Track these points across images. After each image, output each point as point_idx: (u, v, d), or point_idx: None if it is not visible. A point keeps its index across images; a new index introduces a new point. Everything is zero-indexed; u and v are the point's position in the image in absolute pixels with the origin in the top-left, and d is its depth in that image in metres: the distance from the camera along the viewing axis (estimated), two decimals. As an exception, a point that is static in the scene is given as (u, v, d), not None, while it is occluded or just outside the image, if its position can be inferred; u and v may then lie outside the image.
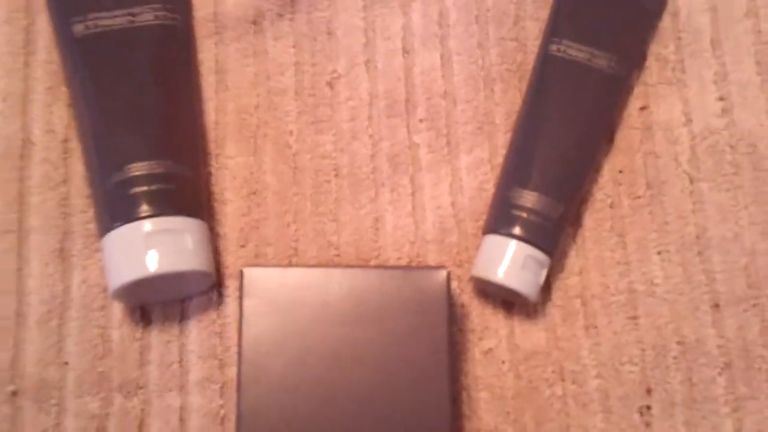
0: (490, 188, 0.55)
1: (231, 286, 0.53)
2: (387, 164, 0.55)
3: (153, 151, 0.51)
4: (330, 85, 0.57)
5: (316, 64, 0.57)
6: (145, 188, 0.49)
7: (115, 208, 0.50)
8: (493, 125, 0.56)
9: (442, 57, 0.57)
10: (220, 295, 0.53)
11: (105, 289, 0.53)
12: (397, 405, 0.47)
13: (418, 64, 0.57)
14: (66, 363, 0.52)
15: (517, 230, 0.51)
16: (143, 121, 0.52)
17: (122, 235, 0.49)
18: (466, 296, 0.53)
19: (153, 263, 0.48)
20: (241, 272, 0.48)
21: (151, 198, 0.49)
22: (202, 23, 0.58)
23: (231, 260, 0.54)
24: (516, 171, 0.53)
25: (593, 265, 0.54)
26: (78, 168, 0.55)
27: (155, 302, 0.53)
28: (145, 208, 0.49)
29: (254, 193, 0.55)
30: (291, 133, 0.56)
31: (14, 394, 0.51)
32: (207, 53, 0.57)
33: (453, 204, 0.55)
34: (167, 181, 0.50)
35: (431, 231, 0.54)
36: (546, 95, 0.54)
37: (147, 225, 0.49)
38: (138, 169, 0.50)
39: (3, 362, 0.52)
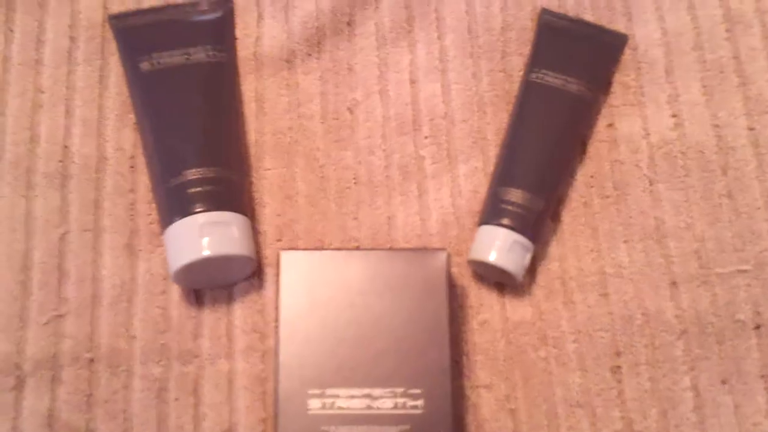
0: (484, 191, 0.59)
1: (269, 273, 0.58)
2: (398, 173, 0.61)
3: (205, 160, 0.56)
4: (350, 110, 0.62)
5: (338, 94, 0.63)
6: (199, 189, 0.55)
7: (174, 206, 0.55)
8: (485, 140, 0.61)
9: (442, 86, 0.63)
10: (261, 281, 0.58)
11: (165, 277, 0.58)
12: (406, 365, 0.51)
13: (423, 91, 0.63)
14: (133, 336, 0.57)
15: (505, 220, 0.56)
16: (197, 137, 0.57)
17: (181, 226, 0.54)
18: (465, 279, 0.58)
19: (206, 248, 0.53)
20: (279, 254, 0.53)
21: (204, 197, 0.55)
22: (244, 61, 0.63)
23: (269, 252, 0.59)
24: (504, 173, 0.58)
25: (571, 253, 0.59)
26: (142, 179, 0.60)
27: (207, 287, 0.58)
28: (199, 205, 0.55)
29: (288, 197, 0.60)
30: (318, 149, 0.61)
31: (91, 361, 0.56)
32: (248, 85, 0.63)
33: (453, 204, 0.60)
34: (217, 183, 0.56)
35: (435, 226, 0.59)
36: (528, 115, 0.60)
37: (201, 218, 0.54)
38: (193, 174, 0.55)
39: (82, 335, 0.57)
